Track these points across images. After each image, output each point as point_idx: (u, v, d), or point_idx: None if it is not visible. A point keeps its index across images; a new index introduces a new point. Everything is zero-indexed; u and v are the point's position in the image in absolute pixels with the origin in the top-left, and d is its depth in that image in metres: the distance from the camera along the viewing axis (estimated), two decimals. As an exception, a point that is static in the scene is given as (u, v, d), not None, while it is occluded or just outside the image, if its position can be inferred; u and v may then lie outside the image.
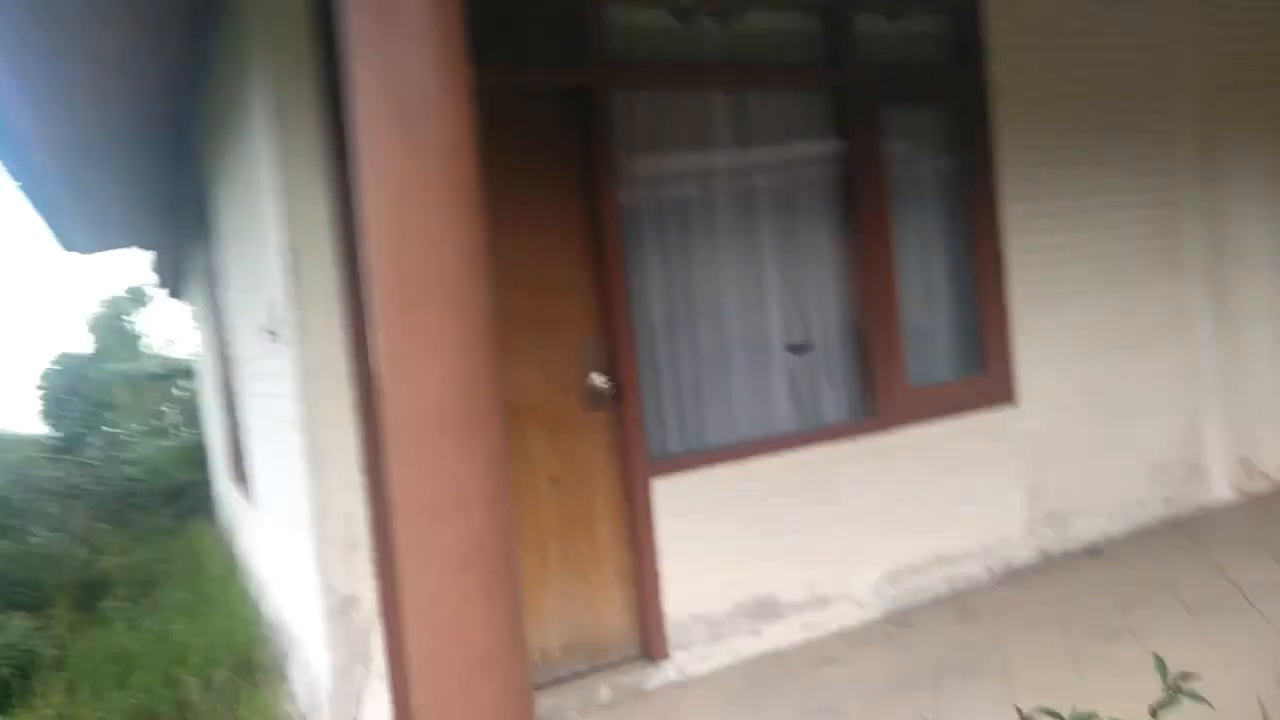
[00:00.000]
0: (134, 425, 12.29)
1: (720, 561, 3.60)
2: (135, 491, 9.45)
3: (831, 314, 4.02)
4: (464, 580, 1.47)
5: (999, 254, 4.31)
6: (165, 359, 15.00)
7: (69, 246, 8.22)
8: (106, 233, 8.00)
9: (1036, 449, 4.36)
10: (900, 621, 3.83)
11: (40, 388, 13.23)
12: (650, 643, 3.49)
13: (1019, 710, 1.85)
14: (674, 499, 3.53)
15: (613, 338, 3.47)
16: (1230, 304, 5.02)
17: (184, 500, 9.23)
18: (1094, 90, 4.59)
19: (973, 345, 4.32)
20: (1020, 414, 4.33)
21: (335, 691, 3.01)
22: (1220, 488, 4.92)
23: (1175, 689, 1.80)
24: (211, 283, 6.00)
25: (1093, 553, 4.38)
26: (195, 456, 9.89)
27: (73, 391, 12.80)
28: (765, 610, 3.67)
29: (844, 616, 3.83)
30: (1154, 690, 1.84)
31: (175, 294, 11.14)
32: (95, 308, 16.67)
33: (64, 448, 11.20)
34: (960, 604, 3.94)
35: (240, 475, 5.74)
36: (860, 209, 3.98)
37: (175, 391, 13.35)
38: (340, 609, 3.01)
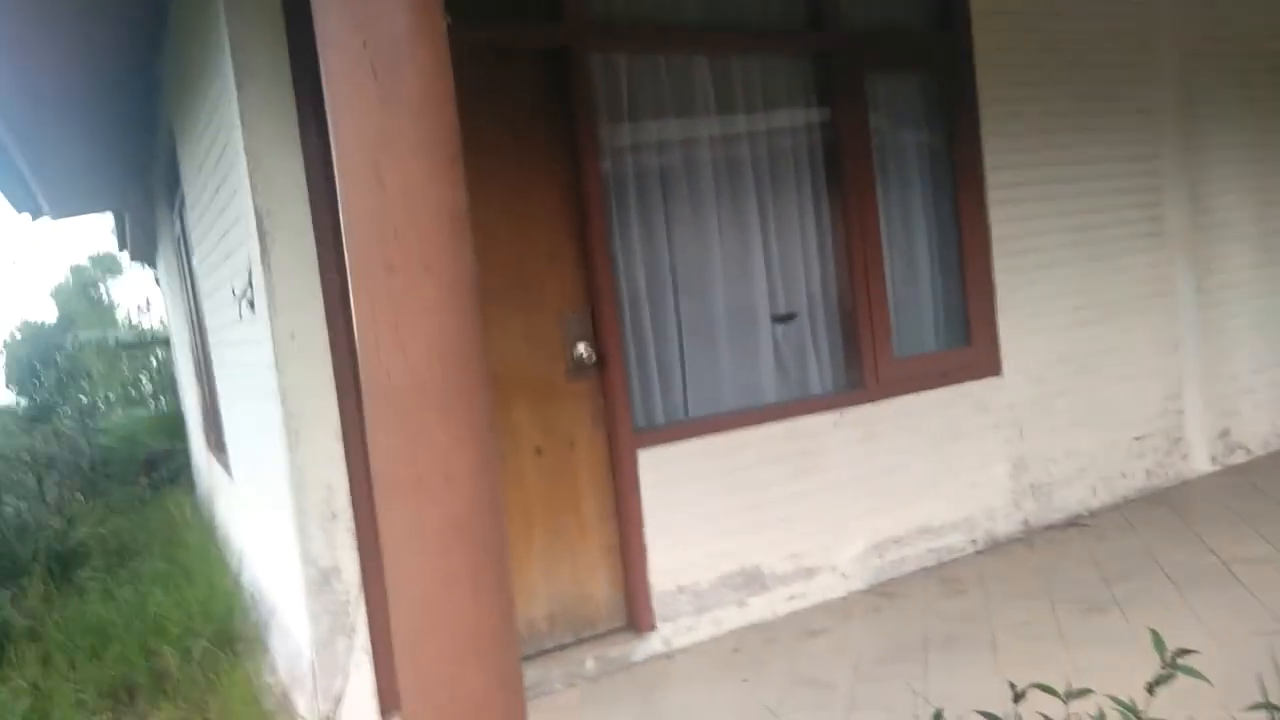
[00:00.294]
0: (108, 394, 12.11)
1: (706, 533, 3.57)
2: (111, 461, 9.32)
3: (816, 284, 3.97)
4: (450, 555, 1.42)
5: (984, 223, 4.27)
6: (139, 327, 14.78)
7: (32, 211, 7.98)
8: (72, 198, 7.78)
9: (1020, 420, 4.35)
10: (885, 593, 3.83)
11: (5, 356, 13.02)
12: (636, 614, 3.46)
13: (1012, 685, 1.83)
14: (659, 470, 3.48)
15: (597, 307, 3.40)
16: (1211, 276, 5.02)
17: (161, 470, 9.11)
18: (1077, 59, 4.54)
19: (958, 316, 4.29)
20: (1004, 385, 4.32)
21: (317, 664, 2.96)
22: (1201, 460, 4.94)
23: (1172, 665, 1.78)
24: (182, 248, 5.86)
25: (1076, 524, 4.40)
26: (172, 426, 9.76)
27: (44, 360, 12.59)
28: (751, 582, 3.66)
29: (829, 588, 3.82)
30: (1142, 663, 1.82)
31: (147, 261, 10.93)
32: (62, 275, 16.42)
33: (36, 417, 11.02)
34: (944, 575, 3.94)
35: (218, 445, 5.65)
36: (845, 177, 3.92)
37: (151, 360, 13.17)
38: (321, 580, 2.96)
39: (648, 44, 3.60)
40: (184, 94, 4.17)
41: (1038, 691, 1.79)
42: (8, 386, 12.64)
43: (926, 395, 4.09)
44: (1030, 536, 4.30)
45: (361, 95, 1.43)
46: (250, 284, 3.13)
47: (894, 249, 4.12)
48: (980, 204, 4.26)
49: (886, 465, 3.97)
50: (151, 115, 5.56)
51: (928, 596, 3.74)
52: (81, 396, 11.97)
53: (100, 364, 12.69)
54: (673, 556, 3.50)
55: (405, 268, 1.42)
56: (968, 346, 4.27)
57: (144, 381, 12.69)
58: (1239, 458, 5.08)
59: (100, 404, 11.75)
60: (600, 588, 3.49)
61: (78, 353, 12.86)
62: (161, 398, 11.13)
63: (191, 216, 4.95)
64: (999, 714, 1.87)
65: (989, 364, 4.29)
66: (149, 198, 7.78)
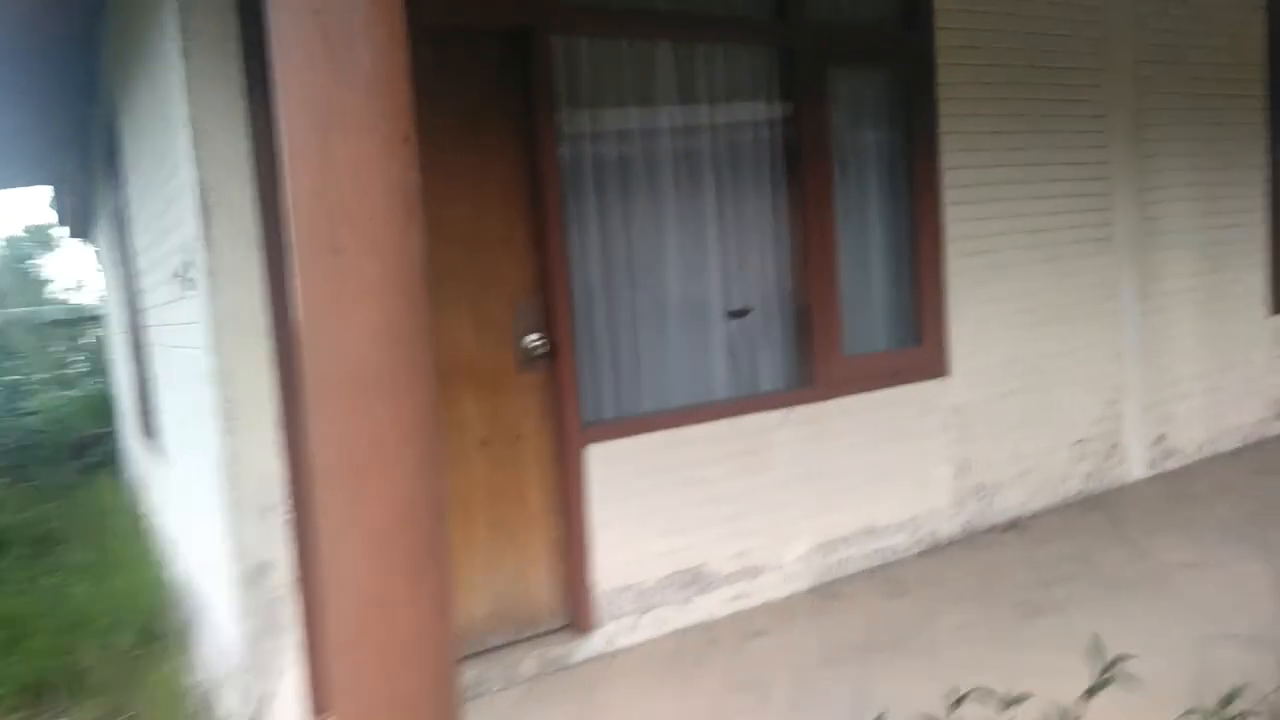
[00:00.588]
0: (36, 374, 11.66)
1: (652, 530, 3.53)
2: (36, 444, 8.98)
3: (771, 279, 3.95)
4: (389, 551, 1.35)
5: (939, 222, 4.30)
6: (71, 305, 14.26)
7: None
8: (2, 167, 7.46)
9: (965, 422, 4.39)
10: (829, 594, 3.83)
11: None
12: (578, 614, 3.41)
13: (952, 692, 1.83)
14: (607, 465, 3.44)
15: (549, 297, 3.34)
16: (1154, 283, 5.14)
17: (89, 454, 8.79)
18: (1036, 61, 4.60)
19: (909, 315, 4.32)
20: (952, 386, 4.36)
21: (247, 662, 2.85)
22: (1138, 465, 5.06)
23: (1109, 671, 1.80)
24: (120, 224, 5.64)
25: (1016, 527, 4.46)
26: (102, 408, 9.43)
27: (-33, 336, 12.09)
28: (696, 580, 3.63)
29: (773, 588, 3.81)
30: (1077, 666, 1.83)
31: (82, 235, 10.54)
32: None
33: (-43, 395, 10.57)
34: (887, 576, 3.97)
35: (149, 429, 5.45)
36: (804, 172, 3.91)
37: (82, 339, 12.70)
38: (254, 575, 2.85)
39: (611, 28, 3.54)
40: (125, 58, 3.99)
41: (978, 694, 1.79)
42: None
43: (875, 395, 4.10)
44: (972, 538, 4.35)
45: (311, 67, 1.36)
46: (188, 261, 3.00)
47: (850, 246, 4.12)
48: (935, 203, 4.28)
49: (833, 465, 3.97)
50: (91, 83, 5.33)
51: (870, 598, 3.75)
52: (8, 376, 11.51)
53: (30, 342, 12.21)
54: (618, 554, 3.46)
55: (352, 248, 1.35)
56: (918, 346, 4.30)
57: (76, 361, 12.25)
58: (1174, 463, 5.20)
59: (28, 384, 11.30)
60: (543, 585, 3.43)
61: (6, 329, 12.35)
62: (94, 379, 10.74)
63: (129, 189, 4.76)
64: (939, 718, 1.87)
65: (938, 365, 4.33)
66: (88, 170, 7.48)
